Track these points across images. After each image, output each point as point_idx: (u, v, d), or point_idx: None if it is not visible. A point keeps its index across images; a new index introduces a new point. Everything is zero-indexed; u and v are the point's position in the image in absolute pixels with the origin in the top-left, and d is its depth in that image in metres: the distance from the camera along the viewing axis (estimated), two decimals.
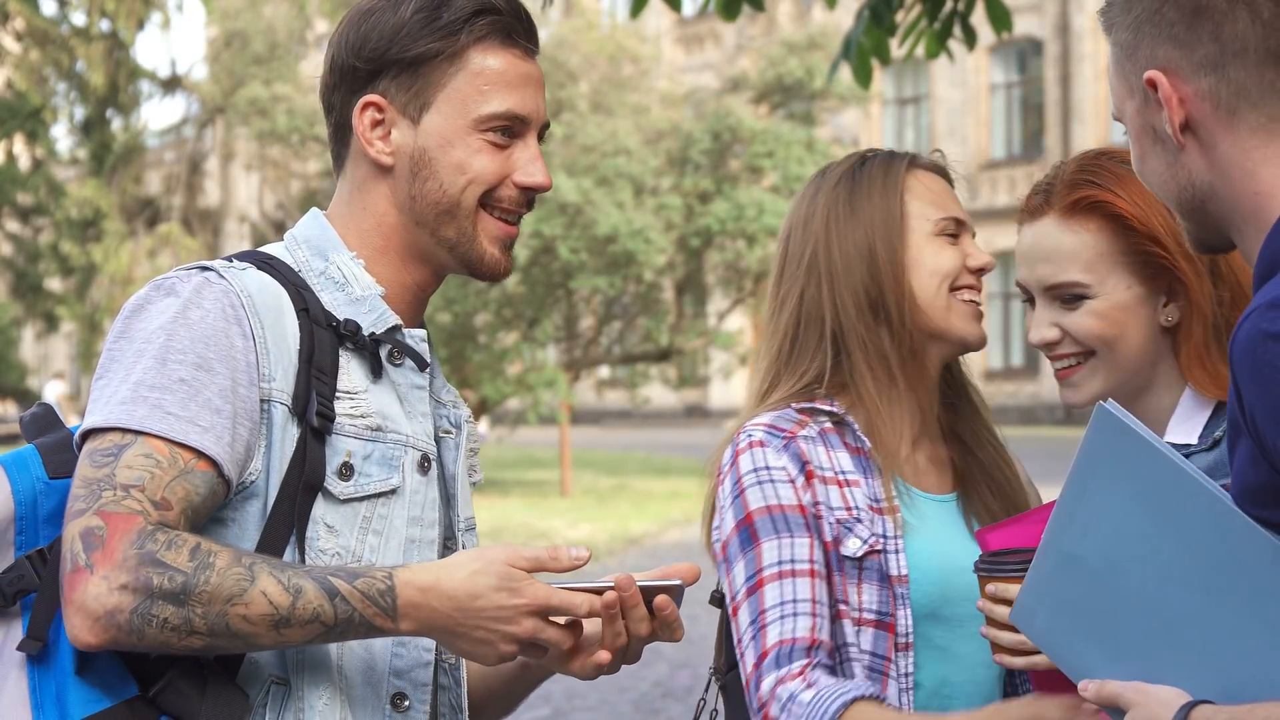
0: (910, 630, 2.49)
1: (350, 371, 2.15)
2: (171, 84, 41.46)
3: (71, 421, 2.18)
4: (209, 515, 2.04)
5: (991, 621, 2.25)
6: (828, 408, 2.56)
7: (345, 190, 2.27)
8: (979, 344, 2.60)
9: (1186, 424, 2.37)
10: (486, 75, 2.19)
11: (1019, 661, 2.22)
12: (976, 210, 41.32)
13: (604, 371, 38.97)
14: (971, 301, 2.60)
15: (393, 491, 2.14)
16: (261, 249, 2.23)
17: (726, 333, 29.35)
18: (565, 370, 27.60)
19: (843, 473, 2.52)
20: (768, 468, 2.49)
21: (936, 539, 2.54)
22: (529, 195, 2.24)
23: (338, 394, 2.12)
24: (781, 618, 2.42)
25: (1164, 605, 1.90)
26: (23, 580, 2.00)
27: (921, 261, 2.58)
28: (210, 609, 1.91)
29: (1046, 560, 1.98)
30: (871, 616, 2.46)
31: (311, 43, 41.60)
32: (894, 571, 2.47)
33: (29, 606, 2.01)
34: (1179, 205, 2.02)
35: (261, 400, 2.07)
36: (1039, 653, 2.16)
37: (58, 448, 2.09)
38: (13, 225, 41.39)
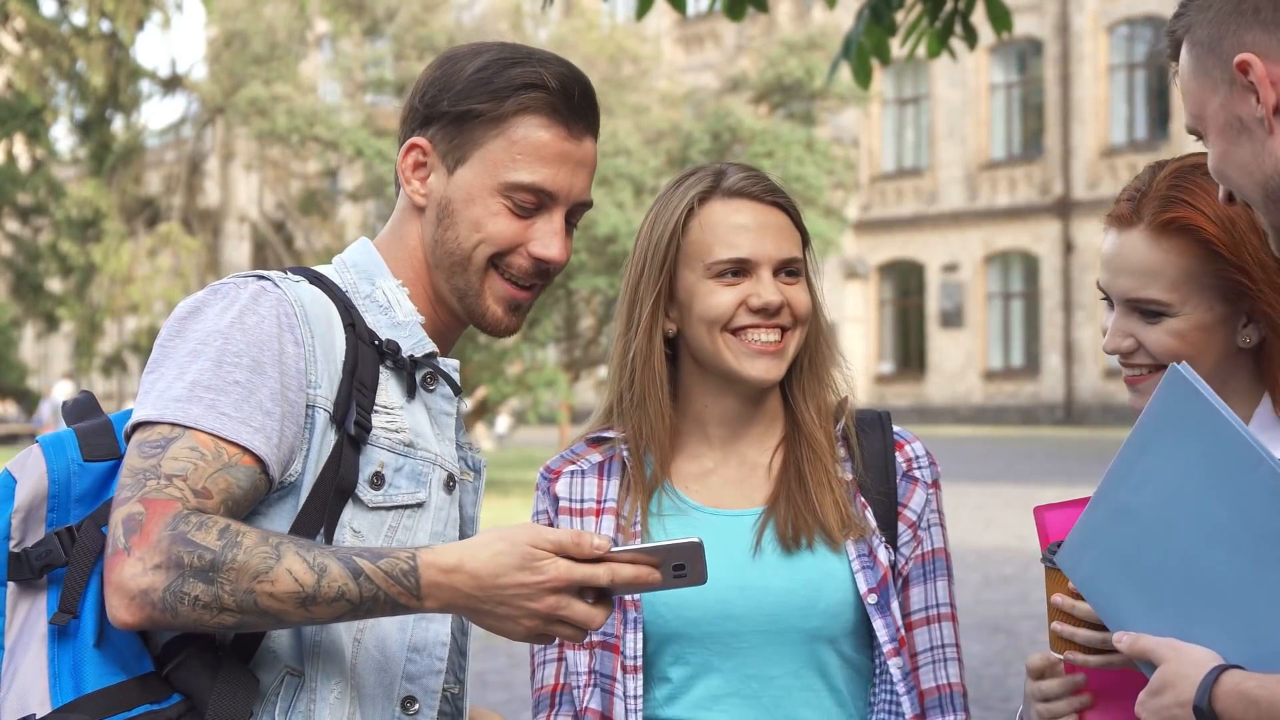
0: (639, 654, 2.54)
1: (388, 389, 2.24)
2: (171, 84, 41.48)
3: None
4: (248, 509, 2.11)
5: (1065, 616, 2.24)
6: (610, 435, 2.66)
7: (393, 220, 2.40)
8: (761, 383, 2.59)
9: (1263, 437, 2.30)
10: (522, 146, 2.28)
11: (1094, 660, 2.20)
12: (976, 210, 41.37)
13: (604, 371, 38.99)
14: (755, 340, 2.58)
15: (419, 505, 2.24)
16: (313, 268, 2.33)
17: None
18: (565, 370, 27.62)
19: (605, 500, 2.61)
20: (535, 513, 2.68)
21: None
22: (541, 266, 2.32)
23: (375, 408, 2.22)
24: (539, 665, 2.63)
25: (1209, 566, 1.96)
26: (50, 555, 2.07)
27: (691, 305, 2.60)
28: (238, 586, 1.97)
29: (1100, 508, 2.04)
30: (597, 638, 2.54)
31: (311, 43, 41.63)
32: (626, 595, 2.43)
33: (55, 581, 2.09)
34: (1265, 193, 2.04)
35: (306, 405, 2.16)
36: (1115, 653, 2.15)
37: (95, 432, 2.18)
38: (13, 225, 41.41)
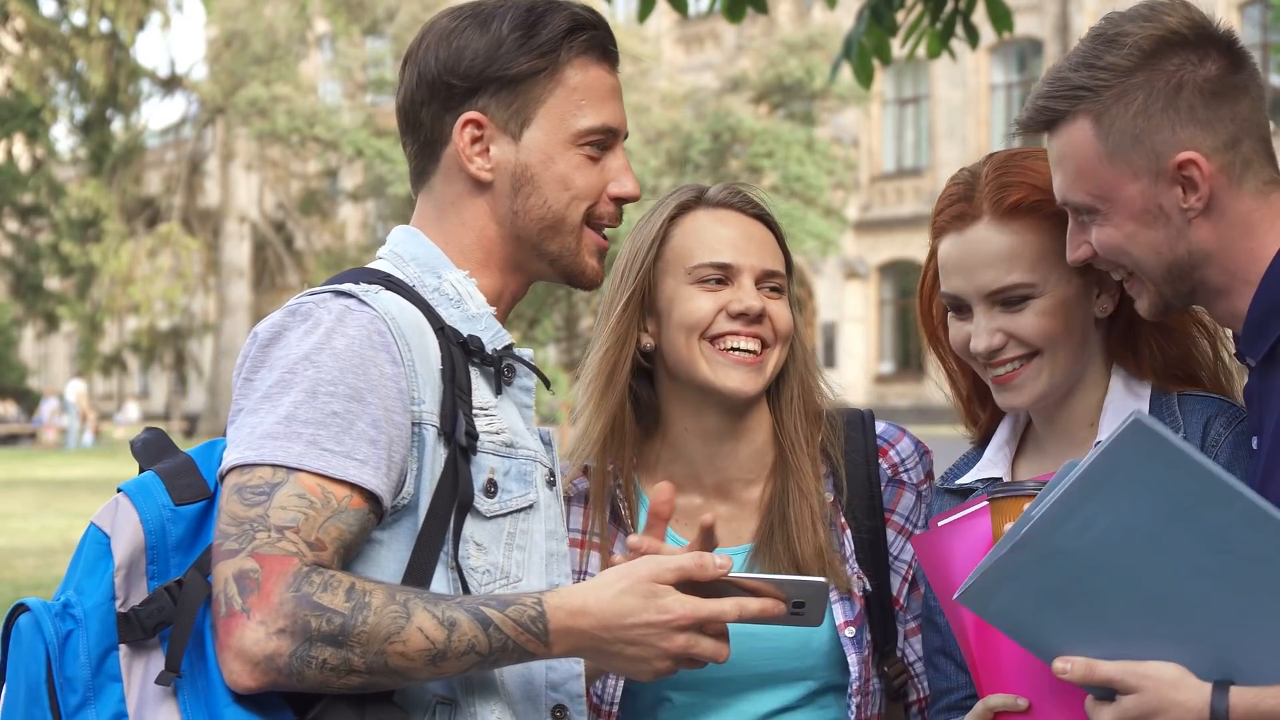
0: (616, 699, 2.50)
1: (480, 389, 2.16)
2: (171, 84, 41.52)
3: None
4: (359, 547, 2.03)
5: None
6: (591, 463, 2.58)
7: (433, 206, 2.27)
8: (737, 394, 2.53)
9: (1124, 414, 2.30)
10: (582, 90, 2.22)
11: None
12: None
13: None
14: (733, 349, 2.52)
15: (531, 506, 2.16)
16: (370, 267, 2.22)
17: None
18: (565, 370, 27.61)
19: (590, 534, 2.56)
20: None
21: None
22: (621, 206, 2.26)
23: (475, 411, 2.13)
24: None
25: (1166, 591, 1.98)
26: (163, 613, 1.97)
27: (670, 312, 2.55)
28: (369, 649, 1.91)
29: (1024, 554, 2.01)
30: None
31: (311, 43, 41.65)
32: None
33: (166, 638, 1.98)
34: (1166, 274, 2.15)
35: (413, 424, 2.06)
36: None
37: (180, 472, 2.06)
38: (13, 225, 41.43)
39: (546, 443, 2.27)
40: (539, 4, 2.24)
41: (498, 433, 2.13)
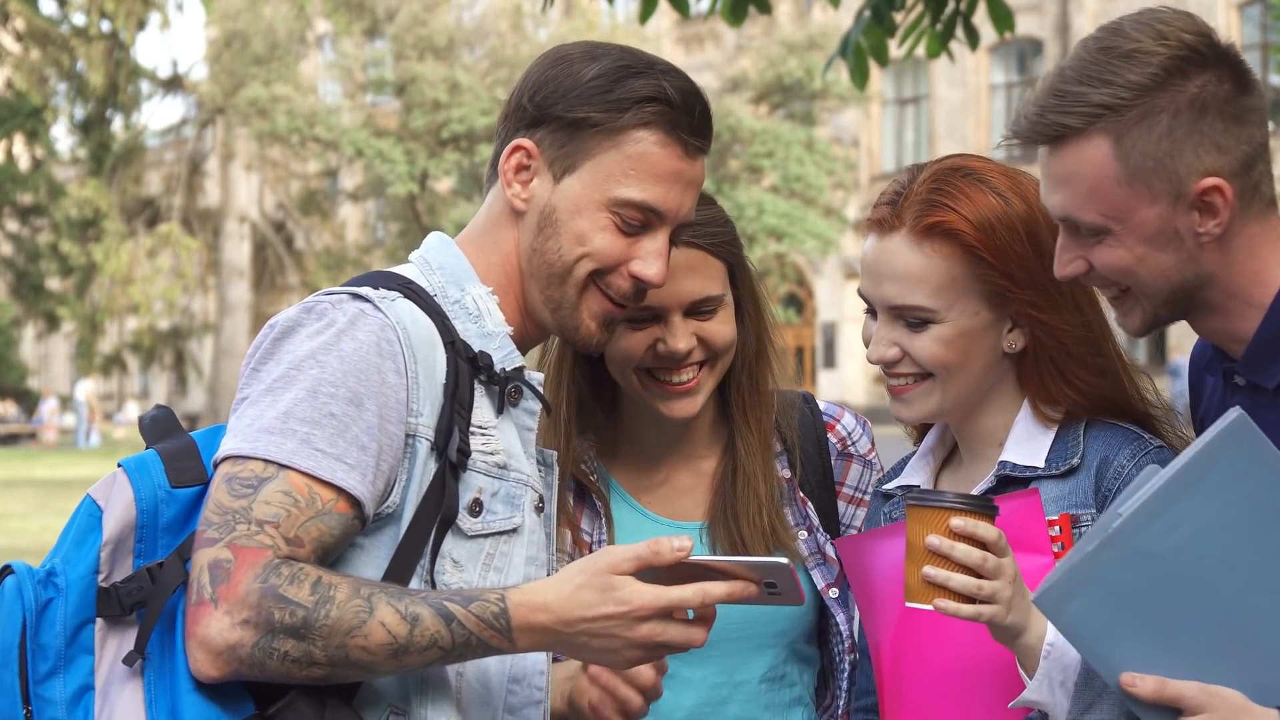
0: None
1: (481, 406, 2.15)
2: (171, 84, 41.51)
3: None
4: (340, 551, 2.04)
5: (938, 560, 2.07)
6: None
7: (482, 220, 2.28)
8: (678, 420, 2.54)
9: (1027, 445, 2.33)
10: (636, 161, 2.18)
11: (966, 610, 2.06)
12: None
13: None
14: (668, 381, 2.52)
15: (514, 530, 2.16)
16: (395, 270, 2.22)
17: None
18: None
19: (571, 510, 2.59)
20: None
21: None
22: (640, 286, 2.23)
23: (472, 429, 2.12)
24: None
25: (1242, 607, 1.96)
26: (141, 592, 1.98)
27: (610, 351, 2.53)
28: (330, 642, 1.92)
29: (1112, 549, 1.98)
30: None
31: (311, 43, 41.64)
32: None
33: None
34: (1170, 295, 2.13)
35: (407, 435, 2.07)
36: (990, 604, 2.06)
37: (181, 455, 2.07)
38: (13, 225, 41.43)
39: (549, 465, 2.28)
40: (646, 65, 2.21)
41: (492, 453, 2.14)
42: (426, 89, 34.54)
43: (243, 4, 38.09)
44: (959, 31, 6.32)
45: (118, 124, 40.89)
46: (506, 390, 2.18)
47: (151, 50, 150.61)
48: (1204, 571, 1.96)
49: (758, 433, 2.61)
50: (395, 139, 35.35)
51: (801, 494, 2.62)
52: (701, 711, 2.54)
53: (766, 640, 2.56)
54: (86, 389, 38.65)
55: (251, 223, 43.28)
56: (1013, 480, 2.32)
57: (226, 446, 2.01)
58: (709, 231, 2.51)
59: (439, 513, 2.08)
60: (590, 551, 2.51)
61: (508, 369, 2.18)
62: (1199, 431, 2.18)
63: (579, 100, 2.18)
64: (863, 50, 6.11)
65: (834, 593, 2.55)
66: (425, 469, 2.08)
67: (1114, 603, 1.99)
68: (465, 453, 2.10)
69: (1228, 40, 2.13)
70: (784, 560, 1.97)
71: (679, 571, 1.98)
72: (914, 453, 2.53)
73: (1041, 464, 2.31)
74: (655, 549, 1.96)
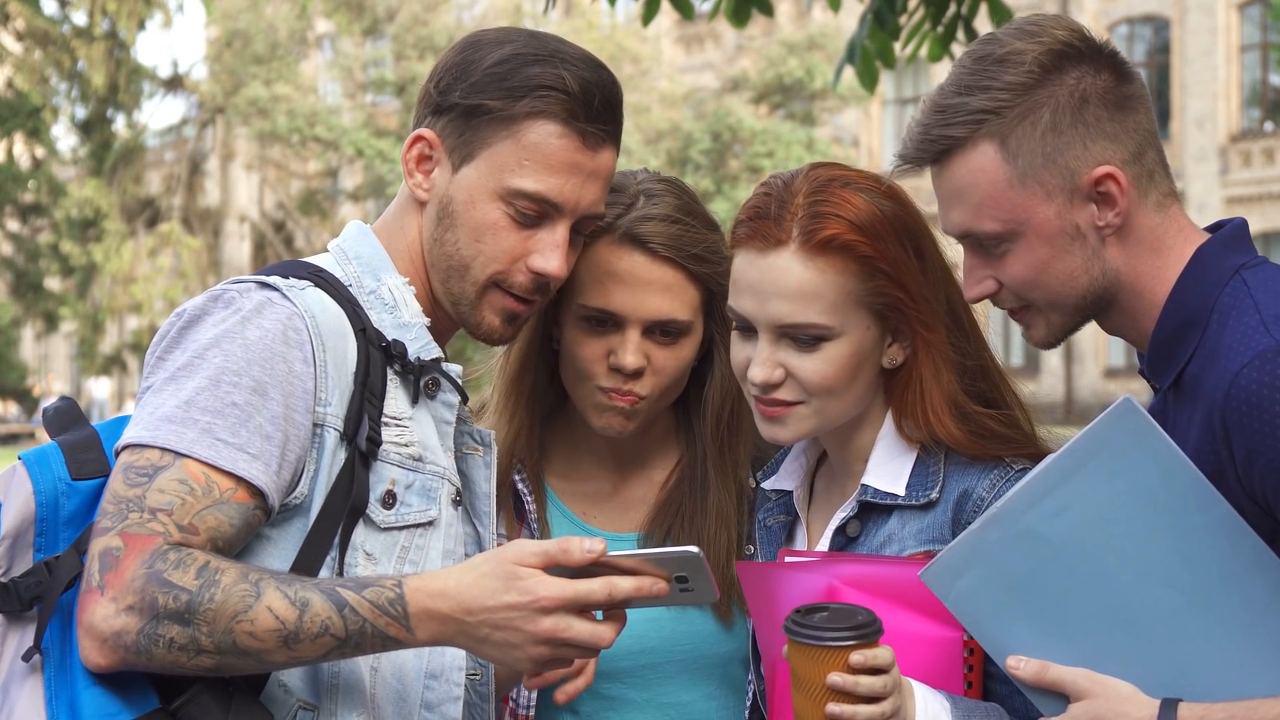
0: (531, 703, 2.45)
1: (396, 397, 2.11)
2: (172, 84, 41.46)
3: (122, 413, 2.11)
4: (243, 543, 1.99)
5: (841, 697, 1.96)
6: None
7: (394, 209, 2.26)
8: (607, 434, 2.47)
9: (887, 468, 2.26)
10: (530, 151, 2.13)
11: None
12: None
13: None
14: (611, 397, 2.43)
15: (430, 523, 2.12)
16: (309, 260, 2.18)
17: None
18: None
19: (501, 534, 2.51)
20: None
21: None
22: (540, 281, 2.18)
23: (384, 419, 2.08)
24: None
25: (1132, 598, 1.93)
26: (40, 586, 1.95)
27: (563, 339, 2.48)
28: (215, 627, 1.86)
29: (996, 528, 1.96)
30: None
31: (312, 43, 41.62)
32: None
33: None
34: (1083, 300, 2.09)
35: (315, 425, 2.03)
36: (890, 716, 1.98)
37: (82, 447, 2.03)
38: (13, 225, 41.39)
39: (486, 444, 2.25)
40: (549, 53, 2.16)
41: (406, 445, 2.09)
42: None
43: (243, 3, 38.07)
44: (960, 34, 6.35)
45: (118, 124, 40.86)
46: (423, 382, 2.13)
47: (152, 50, 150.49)
48: (1096, 559, 1.94)
49: (723, 460, 2.53)
50: (395, 139, 35.34)
51: None
52: None
53: (716, 660, 2.50)
54: (104, 388, 38.62)
55: (251, 222, 43.26)
56: (874, 507, 2.26)
57: (127, 436, 1.98)
58: (695, 255, 2.43)
59: (348, 502, 2.03)
60: None
61: (424, 359, 2.14)
62: None
63: (477, 88, 2.15)
64: (869, 54, 6.13)
65: None
66: (334, 459, 2.03)
67: (1002, 583, 1.97)
68: (376, 442, 2.05)
69: (1103, 38, 2.11)
70: (694, 549, 1.90)
71: (589, 571, 1.91)
72: (788, 451, 2.44)
73: (902, 491, 2.24)
74: (564, 547, 1.89)
